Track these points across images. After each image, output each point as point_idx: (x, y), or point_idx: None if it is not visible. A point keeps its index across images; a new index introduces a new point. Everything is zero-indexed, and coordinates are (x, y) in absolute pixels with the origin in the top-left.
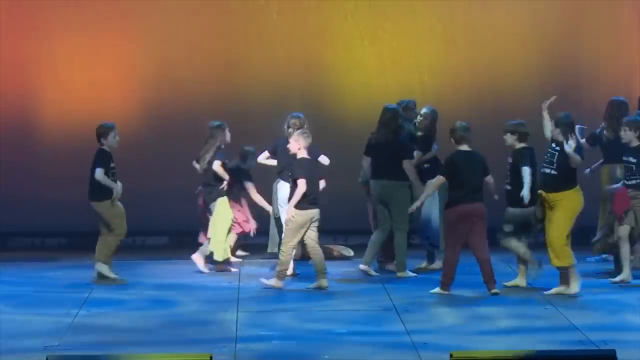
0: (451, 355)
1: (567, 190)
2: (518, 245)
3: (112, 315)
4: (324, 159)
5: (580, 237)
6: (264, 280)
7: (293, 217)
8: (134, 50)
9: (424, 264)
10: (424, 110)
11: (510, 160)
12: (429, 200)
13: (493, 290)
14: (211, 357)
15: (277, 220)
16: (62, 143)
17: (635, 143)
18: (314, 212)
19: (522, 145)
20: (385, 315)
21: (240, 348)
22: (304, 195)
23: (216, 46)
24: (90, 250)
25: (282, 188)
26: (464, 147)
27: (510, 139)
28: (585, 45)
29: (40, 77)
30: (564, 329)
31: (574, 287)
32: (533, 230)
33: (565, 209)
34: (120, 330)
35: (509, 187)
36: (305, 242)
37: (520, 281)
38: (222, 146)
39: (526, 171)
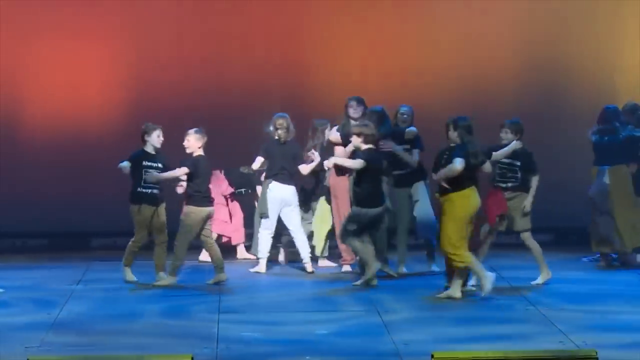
0: (432, 356)
1: (452, 193)
2: (358, 245)
3: (94, 316)
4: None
5: (580, 237)
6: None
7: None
8: (114, 51)
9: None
10: (404, 109)
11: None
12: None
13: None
14: (192, 358)
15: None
16: (43, 144)
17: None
18: (210, 210)
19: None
20: (367, 316)
21: (222, 348)
22: (199, 193)
23: (196, 46)
24: (72, 251)
25: (275, 189)
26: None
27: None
28: (568, 46)
29: (22, 79)
30: (544, 330)
31: (486, 284)
32: (376, 231)
33: (448, 212)
34: (102, 331)
35: (356, 188)
36: (202, 239)
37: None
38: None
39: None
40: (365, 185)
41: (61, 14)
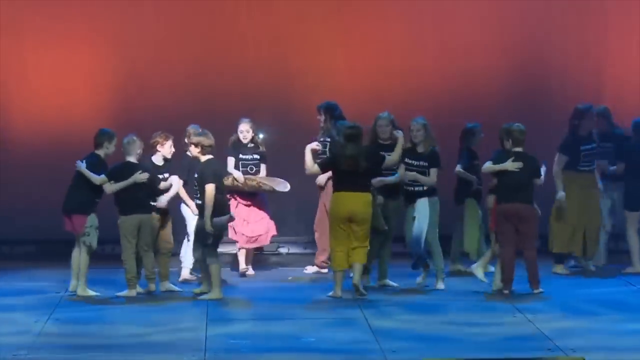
0: None
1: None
2: (215, 268)
3: (82, 324)
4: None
5: None
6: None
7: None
8: (101, 55)
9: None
10: (384, 115)
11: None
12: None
13: (535, 290)
14: None
15: None
16: (31, 150)
17: (421, 149)
18: (141, 217)
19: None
20: (355, 322)
21: (210, 357)
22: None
23: (185, 50)
24: (59, 258)
25: None
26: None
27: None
28: (553, 49)
29: (9, 84)
30: (532, 336)
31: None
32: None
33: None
34: (90, 339)
35: (199, 201)
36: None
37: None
38: None
39: None
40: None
41: (48, 18)
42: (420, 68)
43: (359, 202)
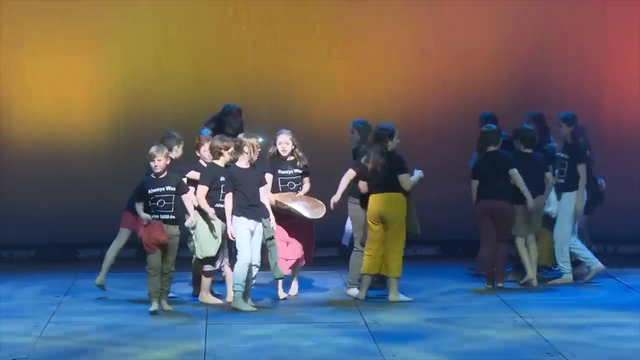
0: None
1: None
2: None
3: (81, 328)
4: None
5: None
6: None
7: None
8: (101, 62)
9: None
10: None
11: None
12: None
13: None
14: None
15: None
16: (30, 155)
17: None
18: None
19: None
20: (354, 327)
21: (209, 359)
22: None
23: (184, 59)
24: (59, 262)
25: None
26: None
27: None
28: (553, 56)
29: (8, 89)
30: (531, 340)
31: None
32: None
33: None
34: (89, 342)
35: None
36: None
37: None
38: None
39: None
40: None
41: (48, 26)
42: (420, 76)
43: (389, 203)
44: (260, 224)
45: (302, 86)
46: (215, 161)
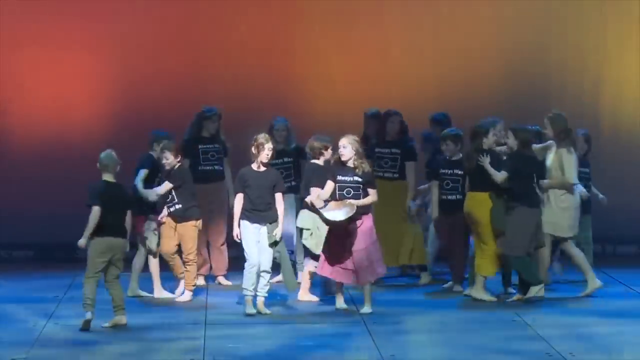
0: None
1: None
2: None
3: (80, 328)
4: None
5: None
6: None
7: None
8: (100, 64)
9: None
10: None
11: None
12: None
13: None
14: None
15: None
16: (28, 155)
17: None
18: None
19: None
20: (353, 328)
21: (208, 359)
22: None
23: (184, 58)
24: (58, 262)
25: None
26: None
27: None
28: (553, 56)
29: (6, 91)
30: (531, 340)
31: None
32: None
33: None
34: (88, 343)
35: None
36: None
37: None
38: None
39: None
40: None
41: (47, 28)
42: (419, 75)
43: (471, 202)
44: (265, 228)
45: (302, 86)
46: (316, 161)
